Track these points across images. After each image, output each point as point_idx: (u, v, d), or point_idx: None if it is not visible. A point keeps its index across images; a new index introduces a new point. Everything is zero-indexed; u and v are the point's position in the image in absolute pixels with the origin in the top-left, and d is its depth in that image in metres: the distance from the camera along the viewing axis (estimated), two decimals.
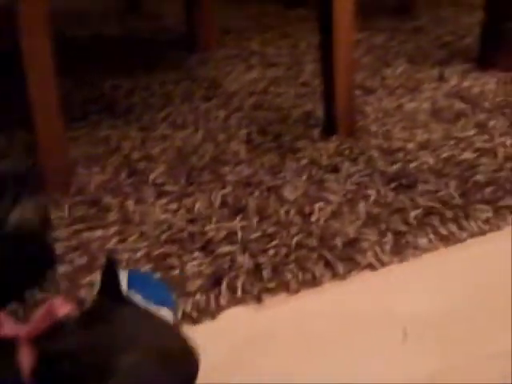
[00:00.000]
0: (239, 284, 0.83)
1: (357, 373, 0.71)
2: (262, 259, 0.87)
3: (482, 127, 1.25)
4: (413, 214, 0.97)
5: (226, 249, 0.89)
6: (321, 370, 0.72)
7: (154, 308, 0.67)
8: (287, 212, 0.98)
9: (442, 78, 1.50)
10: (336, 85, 1.18)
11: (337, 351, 0.75)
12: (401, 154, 1.14)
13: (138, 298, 0.67)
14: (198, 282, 0.83)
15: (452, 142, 1.19)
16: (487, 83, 1.46)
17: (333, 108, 1.20)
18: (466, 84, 1.45)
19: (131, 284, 0.70)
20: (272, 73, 1.52)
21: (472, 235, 0.94)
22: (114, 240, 0.92)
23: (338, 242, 0.91)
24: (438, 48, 1.71)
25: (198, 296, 0.81)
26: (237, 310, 0.81)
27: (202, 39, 1.65)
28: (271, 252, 0.89)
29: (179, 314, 0.77)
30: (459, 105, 1.35)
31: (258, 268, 0.86)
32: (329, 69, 1.18)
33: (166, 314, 0.69)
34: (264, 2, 2.08)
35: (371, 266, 0.88)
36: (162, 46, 1.74)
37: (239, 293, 0.82)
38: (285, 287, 0.83)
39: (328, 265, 0.87)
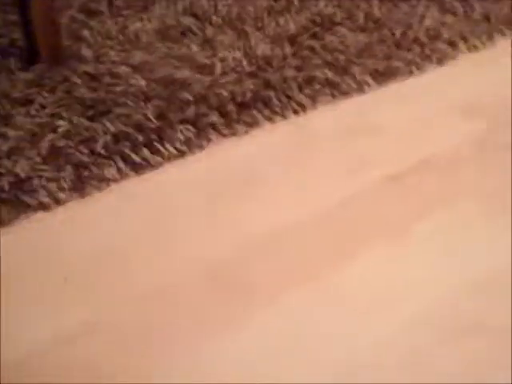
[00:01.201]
0: None
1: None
2: None
3: (208, 43, 1.16)
4: (101, 142, 0.87)
5: None
6: None
7: None
8: None
9: None
10: (33, 9, 1.03)
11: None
12: (109, 79, 1.03)
13: None
14: None
15: (171, 61, 1.09)
16: None
17: (32, 35, 1.06)
18: None
19: None
20: None
21: (169, 159, 0.86)
22: None
23: (5, 183, 0.79)
24: None
25: None
26: None
27: None
28: None
29: None
30: (189, 21, 1.25)
31: None
32: None
33: None
34: None
35: (44, 207, 0.78)
36: None
37: None
38: None
39: None
